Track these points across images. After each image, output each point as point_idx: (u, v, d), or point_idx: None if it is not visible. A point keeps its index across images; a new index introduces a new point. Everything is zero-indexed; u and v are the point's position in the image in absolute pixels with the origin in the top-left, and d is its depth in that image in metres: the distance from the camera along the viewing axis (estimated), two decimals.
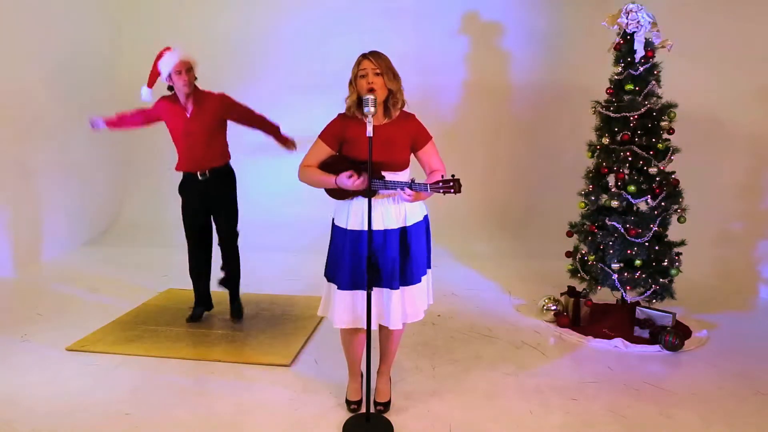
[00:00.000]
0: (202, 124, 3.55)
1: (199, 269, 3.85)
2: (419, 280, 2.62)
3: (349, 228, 2.58)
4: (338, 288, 2.59)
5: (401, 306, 2.58)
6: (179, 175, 3.77)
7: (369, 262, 2.43)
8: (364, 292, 2.53)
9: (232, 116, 3.66)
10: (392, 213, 2.56)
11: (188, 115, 3.58)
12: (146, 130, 6.28)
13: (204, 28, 6.16)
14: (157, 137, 6.14)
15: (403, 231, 2.58)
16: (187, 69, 3.48)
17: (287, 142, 3.77)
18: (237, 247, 3.86)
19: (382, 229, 2.54)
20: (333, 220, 2.69)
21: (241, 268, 3.92)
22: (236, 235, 3.83)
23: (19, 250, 4.97)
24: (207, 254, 3.88)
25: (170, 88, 3.57)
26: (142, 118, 3.78)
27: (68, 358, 3.33)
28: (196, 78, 3.57)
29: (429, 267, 2.71)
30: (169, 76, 3.48)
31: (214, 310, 4.03)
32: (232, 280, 3.91)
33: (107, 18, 6.23)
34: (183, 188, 3.76)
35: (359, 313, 2.57)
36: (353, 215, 2.57)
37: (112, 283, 4.68)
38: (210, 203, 3.72)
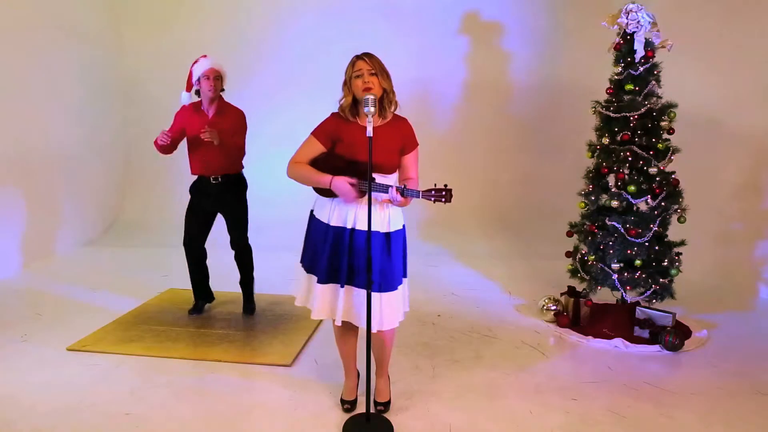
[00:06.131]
0: (220, 132, 3.61)
1: (195, 262, 3.92)
2: (395, 288, 2.59)
3: (331, 224, 2.58)
4: (317, 281, 2.59)
5: (375, 310, 2.53)
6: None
7: (369, 263, 2.41)
8: (339, 286, 2.54)
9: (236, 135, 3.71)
10: (378, 216, 2.54)
11: (209, 119, 3.69)
12: (146, 130, 6.36)
13: (203, 25, 6.16)
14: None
15: (386, 236, 2.57)
16: (215, 76, 3.65)
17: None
18: (251, 253, 3.99)
19: (366, 230, 2.52)
20: (312, 211, 2.69)
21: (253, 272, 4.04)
22: (247, 240, 3.94)
23: (19, 250, 4.97)
24: (202, 253, 3.94)
25: (197, 92, 3.71)
26: (171, 133, 3.75)
27: (68, 358, 3.32)
28: (223, 89, 3.73)
29: (405, 276, 2.70)
30: (198, 80, 3.64)
31: (215, 310, 4.05)
32: (246, 284, 4.05)
33: (108, 15, 6.22)
34: (193, 189, 3.86)
35: (336, 304, 2.56)
36: (336, 212, 2.57)
37: (112, 283, 4.68)
38: (220, 208, 3.85)
